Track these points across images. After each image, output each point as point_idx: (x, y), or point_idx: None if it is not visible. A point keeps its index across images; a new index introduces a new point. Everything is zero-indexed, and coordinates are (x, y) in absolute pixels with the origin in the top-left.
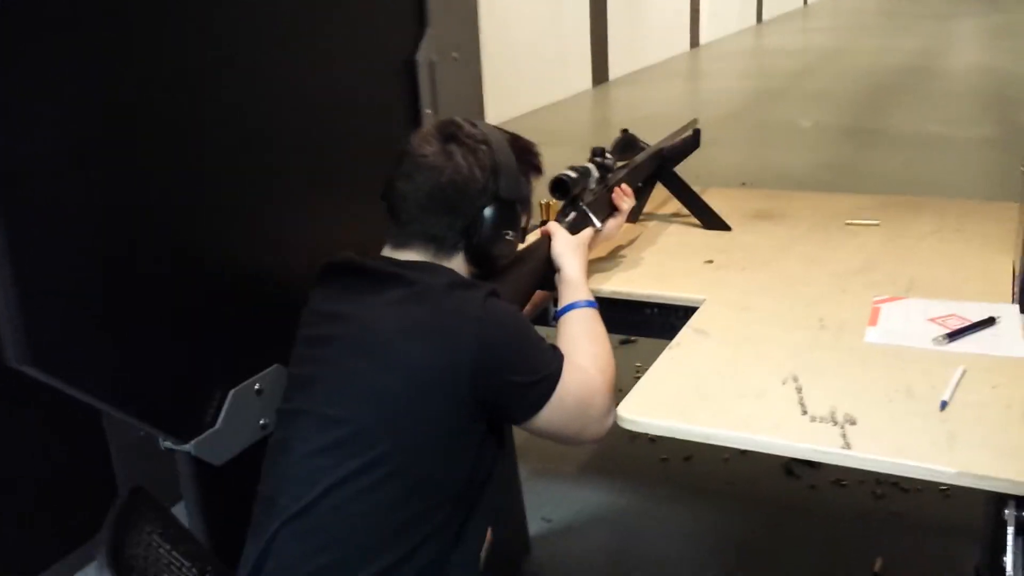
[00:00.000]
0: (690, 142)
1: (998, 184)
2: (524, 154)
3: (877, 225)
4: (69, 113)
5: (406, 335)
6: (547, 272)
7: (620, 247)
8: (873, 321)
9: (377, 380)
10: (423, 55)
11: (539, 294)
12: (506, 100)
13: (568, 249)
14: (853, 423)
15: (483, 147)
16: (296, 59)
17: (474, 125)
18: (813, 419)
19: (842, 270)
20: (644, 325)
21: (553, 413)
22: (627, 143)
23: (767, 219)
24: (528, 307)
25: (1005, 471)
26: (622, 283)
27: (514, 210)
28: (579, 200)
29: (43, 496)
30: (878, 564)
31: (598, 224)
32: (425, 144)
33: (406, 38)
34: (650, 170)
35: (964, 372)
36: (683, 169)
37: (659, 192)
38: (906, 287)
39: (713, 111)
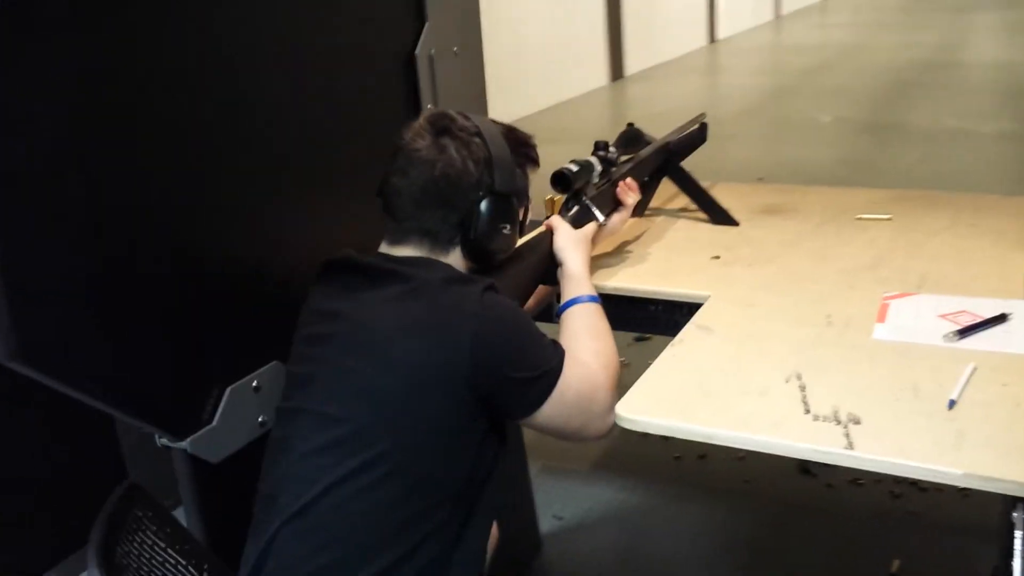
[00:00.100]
0: (697, 136)
1: (1017, 179)
2: (519, 146)
3: (889, 220)
4: (68, 113)
5: (403, 332)
6: (549, 267)
7: (626, 242)
8: (882, 317)
9: (375, 378)
10: (422, 50)
11: (543, 289)
12: (519, 98)
13: (570, 243)
14: (857, 422)
15: (476, 140)
16: (294, 55)
17: (467, 118)
18: (816, 418)
19: (851, 266)
20: (649, 322)
21: (554, 409)
22: (632, 137)
23: (776, 214)
24: (532, 302)
25: (1013, 472)
26: (626, 279)
27: (510, 203)
28: (582, 194)
29: (46, 496)
30: (895, 565)
31: (601, 218)
32: (418, 138)
33: (405, 33)
34: (656, 164)
35: (975, 369)
36: (700, 164)
37: (667, 187)
38: (917, 283)
39: (730, 107)
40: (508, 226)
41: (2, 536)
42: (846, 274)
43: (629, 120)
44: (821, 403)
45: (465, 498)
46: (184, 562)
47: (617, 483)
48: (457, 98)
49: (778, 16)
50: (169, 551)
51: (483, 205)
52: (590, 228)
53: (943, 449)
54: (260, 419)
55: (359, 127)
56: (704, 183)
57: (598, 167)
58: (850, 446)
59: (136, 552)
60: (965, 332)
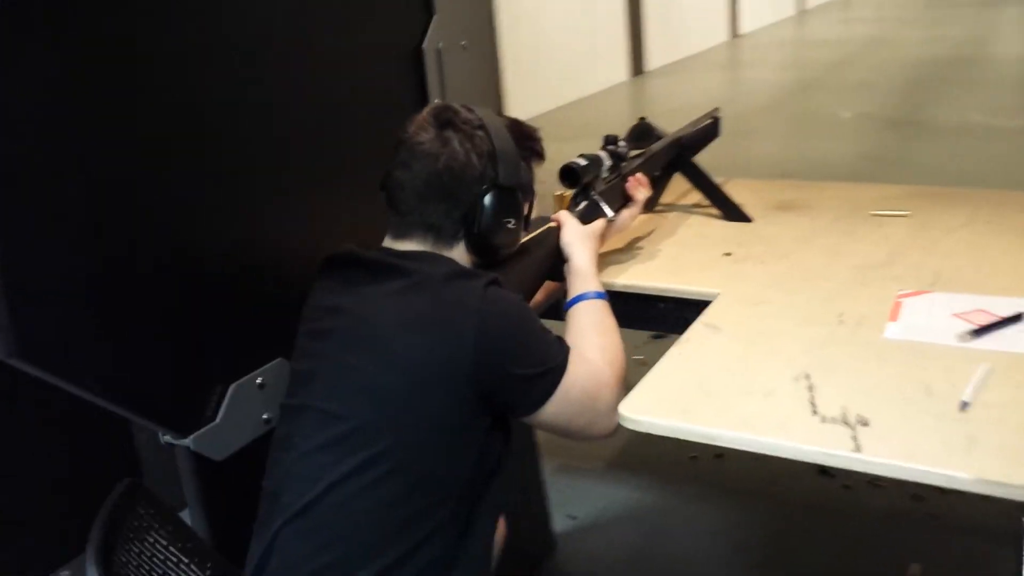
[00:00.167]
0: (710, 130)
1: None
2: (524, 140)
3: (905, 216)
4: (68, 113)
5: (405, 328)
6: (556, 262)
7: (637, 239)
8: (894, 316)
9: (376, 376)
10: (430, 43)
11: (552, 285)
12: (539, 93)
13: (577, 238)
14: (865, 424)
15: (480, 133)
16: (297, 51)
17: (471, 110)
18: (823, 419)
19: (865, 263)
20: (658, 320)
21: (559, 407)
22: (643, 131)
23: (791, 210)
24: (540, 298)
25: (1023, 477)
26: (636, 276)
27: (515, 197)
28: (591, 189)
29: (49, 496)
30: (916, 570)
31: (610, 213)
32: (421, 131)
33: (413, 26)
34: (667, 159)
35: (990, 370)
36: (722, 160)
37: (680, 183)
38: (931, 281)
39: (752, 101)
40: (512, 220)
41: (15, 535)
42: (859, 271)
43: (649, 115)
44: (829, 404)
45: (468, 496)
46: (187, 560)
47: (632, 482)
48: (466, 93)
49: (801, 11)
50: (171, 549)
51: (487, 199)
52: (599, 224)
53: (953, 452)
54: (264, 416)
55: (364, 122)
56: (718, 179)
57: (607, 161)
58: (857, 449)
59: (138, 551)
60: (980, 331)
